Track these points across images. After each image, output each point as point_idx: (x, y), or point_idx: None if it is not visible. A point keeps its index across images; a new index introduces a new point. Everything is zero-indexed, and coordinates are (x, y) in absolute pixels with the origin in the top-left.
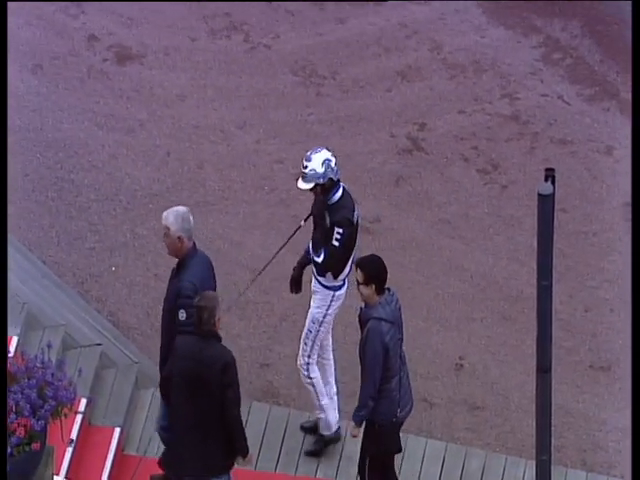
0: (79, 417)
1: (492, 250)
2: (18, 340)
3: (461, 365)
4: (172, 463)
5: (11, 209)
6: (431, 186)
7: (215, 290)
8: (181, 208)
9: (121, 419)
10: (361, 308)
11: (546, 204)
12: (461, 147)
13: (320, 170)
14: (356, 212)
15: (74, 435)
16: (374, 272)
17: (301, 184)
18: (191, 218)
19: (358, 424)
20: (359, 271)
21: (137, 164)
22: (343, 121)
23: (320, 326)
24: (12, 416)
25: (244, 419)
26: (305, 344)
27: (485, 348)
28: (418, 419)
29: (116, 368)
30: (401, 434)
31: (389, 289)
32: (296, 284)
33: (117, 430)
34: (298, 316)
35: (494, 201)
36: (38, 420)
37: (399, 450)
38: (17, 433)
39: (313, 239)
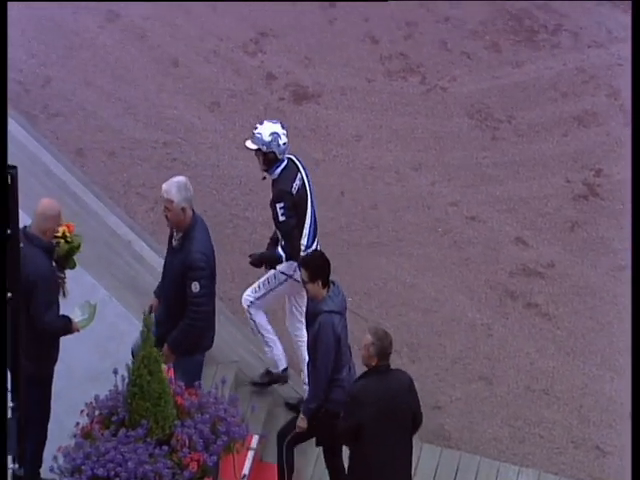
0: (251, 453)
1: None
2: None
3: None
4: None
5: None
6: (607, 232)
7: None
8: (181, 178)
9: None
10: (308, 304)
11: None
12: None
13: (266, 138)
14: (296, 182)
15: (246, 471)
16: (318, 269)
17: (248, 142)
18: (190, 186)
19: (308, 416)
20: (304, 270)
21: None
22: (518, 165)
23: (279, 285)
24: (185, 450)
25: (414, 462)
26: (259, 287)
27: None
28: (590, 466)
29: None
30: None
31: (334, 282)
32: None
33: None
34: (470, 359)
35: None
36: (210, 455)
37: None
38: (190, 467)
39: None
